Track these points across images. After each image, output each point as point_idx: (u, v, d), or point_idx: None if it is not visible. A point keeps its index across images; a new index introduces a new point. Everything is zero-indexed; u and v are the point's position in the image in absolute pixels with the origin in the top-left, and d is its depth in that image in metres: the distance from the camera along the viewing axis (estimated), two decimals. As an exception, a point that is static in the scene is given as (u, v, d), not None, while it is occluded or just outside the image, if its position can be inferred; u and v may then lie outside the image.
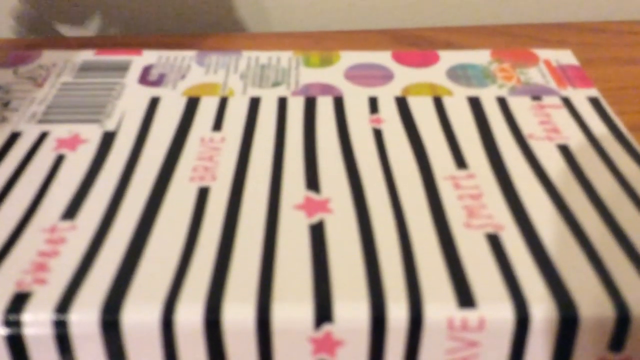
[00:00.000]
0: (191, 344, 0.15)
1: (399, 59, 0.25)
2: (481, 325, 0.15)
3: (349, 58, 0.25)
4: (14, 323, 0.15)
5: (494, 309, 0.15)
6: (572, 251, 0.16)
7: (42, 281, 0.15)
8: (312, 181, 0.19)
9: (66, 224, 0.17)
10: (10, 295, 0.15)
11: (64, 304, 0.15)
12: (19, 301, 0.15)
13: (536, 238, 0.17)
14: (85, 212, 0.18)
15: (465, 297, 0.15)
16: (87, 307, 0.15)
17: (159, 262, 0.16)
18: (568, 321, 0.15)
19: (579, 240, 0.17)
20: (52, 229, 0.17)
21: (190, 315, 0.15)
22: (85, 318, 0.15)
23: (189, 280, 0.15)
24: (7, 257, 0.16)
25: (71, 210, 0.18)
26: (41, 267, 0.16)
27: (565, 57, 0.25)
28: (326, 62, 0.25)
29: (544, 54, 0.25)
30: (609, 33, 0.33)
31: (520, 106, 0.22)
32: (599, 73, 0.29)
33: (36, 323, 0.15)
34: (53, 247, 0.16)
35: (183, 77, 0.24)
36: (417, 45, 0.32)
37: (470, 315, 0.15)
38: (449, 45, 0.31)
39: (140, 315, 0.15)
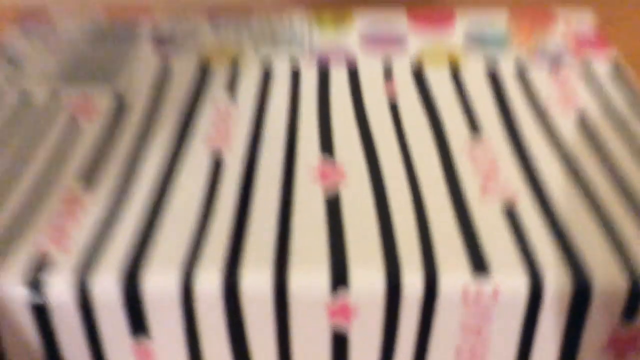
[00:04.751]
0: (209, 309, 0.15)
1: (414, 20, 0.24)
2: (495, 295, 0.15)
3: (363, 20, 0.24)
4: (35, 290, 0.15)
5: (508, 279, 0.15)
6: (587, 221, 0.16)
7: (61, 248, 0.16)
8: (327, 149, 0.19)
9: (84, 190, 0.17)
10: (31, 262, 0.15)
11: (84, 271, 0.15)
12: (40, 268, 0.15)
13: (551, 208, 0.17)
14: (101, 178, 0.18)
15: (479, 267, 0.15)
16: (106, 273, 0.15)
17: (176, 229, 0.16)
18: (581, 291, 0.15)
19: (594, 210, 0.17)
20: (70, 195, 0.17)
21: (208, 281, 0.15)
22: (105, 284, 0.15)
23: (207, 247, 0.16)
24: (27, 223, 0.16)
25: (88, 176, 0.18)
26: (60, 234, 0.16)
27: (585, 22, 0.25)
28: (339, 23, 0.24)
29: (563, 17, 0.25)
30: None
31: (538, 73, 0.22)
32: (618, 40, 0.29)
33: (57, 289, 0.15)
34: (72, 213, 0.17)
35: (195, 41, 0.23)
36: (431, 3, 0.31)
37: (485, 285, 0.15)
38: (463, 4, 0.31)
39: (159, 282, 0.15)
